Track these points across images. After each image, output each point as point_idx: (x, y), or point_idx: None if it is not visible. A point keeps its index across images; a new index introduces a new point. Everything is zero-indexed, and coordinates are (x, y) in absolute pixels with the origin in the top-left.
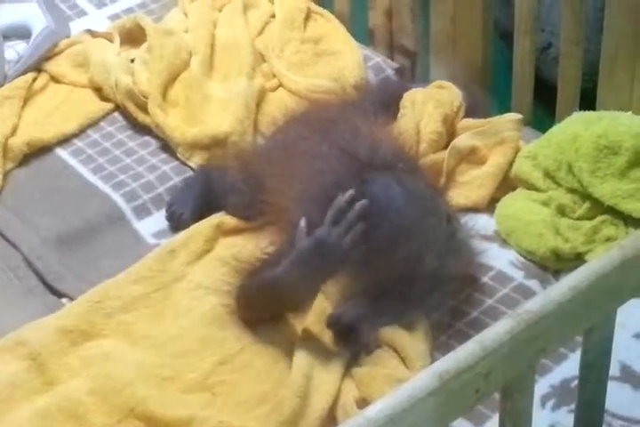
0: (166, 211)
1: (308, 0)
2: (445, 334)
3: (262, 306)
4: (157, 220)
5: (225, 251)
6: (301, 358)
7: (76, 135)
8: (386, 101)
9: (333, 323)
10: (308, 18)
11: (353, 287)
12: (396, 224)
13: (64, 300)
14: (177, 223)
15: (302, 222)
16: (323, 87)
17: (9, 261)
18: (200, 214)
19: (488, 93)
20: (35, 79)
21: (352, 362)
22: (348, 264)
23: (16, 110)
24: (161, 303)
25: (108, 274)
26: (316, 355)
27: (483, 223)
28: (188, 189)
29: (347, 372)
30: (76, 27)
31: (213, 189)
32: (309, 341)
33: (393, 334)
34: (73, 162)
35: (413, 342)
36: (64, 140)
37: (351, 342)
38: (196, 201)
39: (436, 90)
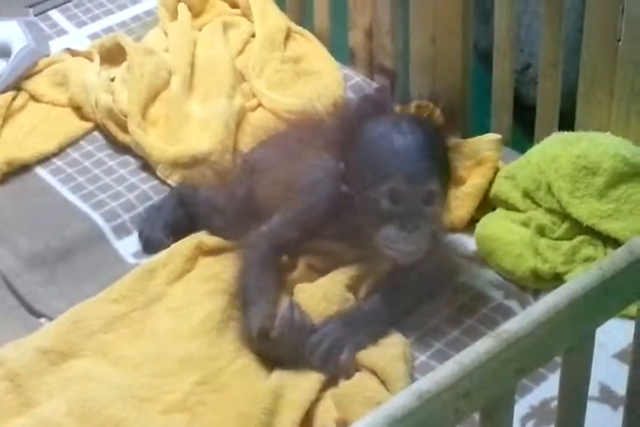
0: (139, 236)
1: (288, 20)
2: (425, 355)
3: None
4: (137, 239)
5: (205, 271)
6: (275, 376)
7: (55, 154)
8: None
9: (312, 348)
10: (288, 37)
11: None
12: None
13: (42, 320)
14: (151, 246)
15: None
16: (302, 107)
17: None
18: (172, 234)
19: (467, 114)
20: (14, 98)
21: (331, 384)
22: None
23: None
24: (140, 323)
25: (88, 294)
26: (290, 373)
27: (462, 243)
28: (155, 211)
29: (323, 391)
30: (56, 45)
31: (189, 208)
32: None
33: (372, 356)
34: (52, 181)
35: (393, 363)
36: (43, 160)
37: (330, 366)
38: (166, 221)
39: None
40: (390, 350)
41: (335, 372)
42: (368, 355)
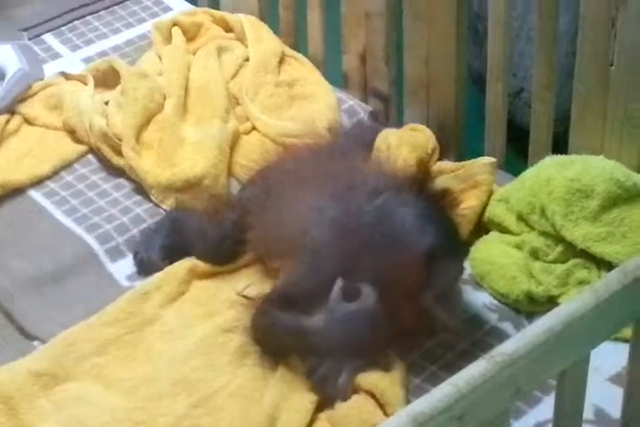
0: (134, 258)
1: (282, 44)
2: (420, 378)
3: (284, 346)
4: (131, 262)
5: (199, 293)
6: (268, 399)
7: (49, 177)
8: (360, 145)
9: (311, 370)
10: (282, 61)
11: None
12: (414, 246)
13: (36, 343)
14: (146, 268)
15: (338, 283)
16: (296, 130)
17: None
18: (168, 256)
19: (461, 137)
20: (8, 121)
21: (327, 405)
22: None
23: None
24: (134, 346)
25: (81, 317)
26: (284, 396)
27: None
28: (152, 234)
29: (318, 412)
30: (50, 69)
31: (182, 233)
32: (280, 383)
33: (370, 379)
34: (46, 204)
35: (392, 387)
36: (37, 182)
37: (328, 388)
38: (163, 243)
39: (410, 132)
40: (389, 374)
41: (333, 394)
42: (367, 378)
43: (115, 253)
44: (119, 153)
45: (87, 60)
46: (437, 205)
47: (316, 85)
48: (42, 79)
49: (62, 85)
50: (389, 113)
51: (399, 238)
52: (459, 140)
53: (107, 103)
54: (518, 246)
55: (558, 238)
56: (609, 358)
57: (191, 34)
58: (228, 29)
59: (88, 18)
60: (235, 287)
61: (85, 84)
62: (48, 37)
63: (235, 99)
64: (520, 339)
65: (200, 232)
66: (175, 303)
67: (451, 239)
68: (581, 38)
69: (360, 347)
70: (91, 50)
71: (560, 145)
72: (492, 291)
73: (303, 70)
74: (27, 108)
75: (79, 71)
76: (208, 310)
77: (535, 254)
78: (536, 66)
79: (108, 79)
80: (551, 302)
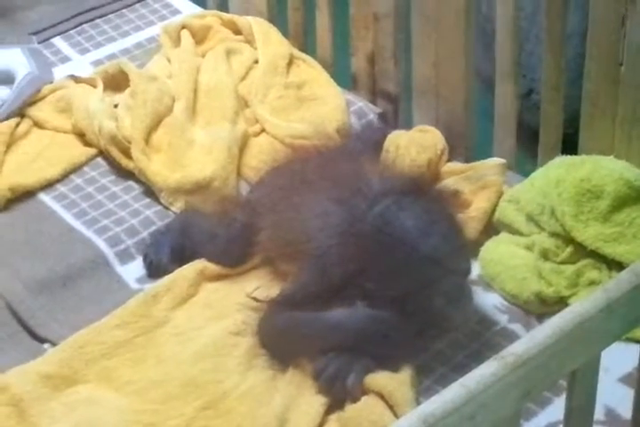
0: (144, 261)
1: (291, 46)
2: (430, 379)
3: (291, 347)
4: (141, 264)
5: (209, 296)
6: (278, 401)
7: (59, 180)
8: (369, 146)
9: (318, 372)
10: (290, 63)
11: None
12: (415, 251)
13: (46, 345)
14: (156, 271)
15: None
16: (305, 132)
17: None
18: (178, 259)
19: (471, 138)
20: (18, 124)
21: (337, 407)
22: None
23: None
24: (144, 348)
25: (91, 319)
26: (294, 398)
27: None
28: (162, 236)
29: (328, 414)
30: (60, 72)
31: (192, 235)
32: (290, 385)
33: (379, 380)
34: (56, 207)
35: (400, 388)
36: (47, 186)
37: (336, 390)
38: (173, 246)
39: (419, 133)
40: (397, 375)
41: (342, 396)
42: (375, 379)
43: (124, 256)
44: (129, 156)
45: (96, 63)
46: (443, 205)
47: (325, 87)
48: (51, 82)
49: (72, 88)
50: (398, 114)
51: (405, 240)
52: (468, 142)
53: (116, 106)
54: (528, 247)
55: (568, 239)
56: (620, 358)
57: (200, 36)
58: (237, 32)
59: (97, 21)
60: (244, 289)
61: (95, 87)
62: (57, 41)
63: (244, 101)
64: (530, 340)
65: (209, 234)
66: (185, 306)
67: (456, 240)
68: (591, 38)
69: (371, 349)
70: (100, 53)
71: (570, 146)
72: (502, 292)
73: (312, 72)
74: (36, 112)
75: (88, 74)
76: (218, 313)
77: (545, 255)
78: (545, 67)
79: (117, 82)
80: (561, 302)
